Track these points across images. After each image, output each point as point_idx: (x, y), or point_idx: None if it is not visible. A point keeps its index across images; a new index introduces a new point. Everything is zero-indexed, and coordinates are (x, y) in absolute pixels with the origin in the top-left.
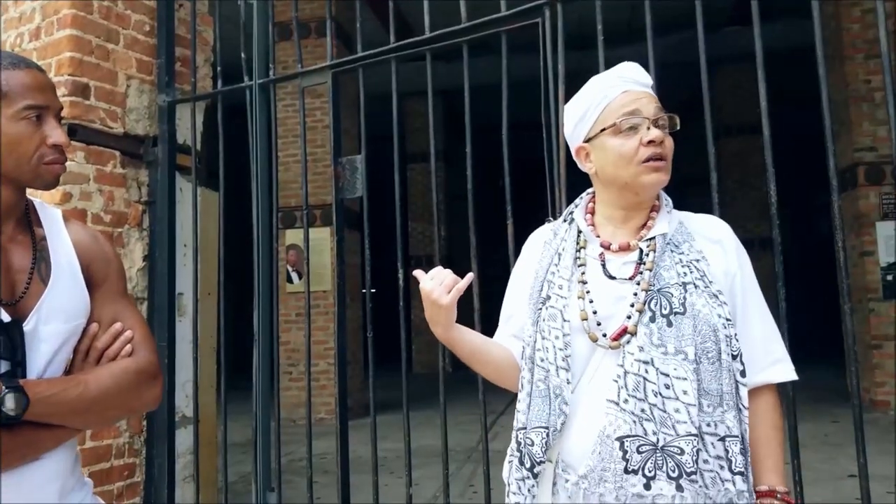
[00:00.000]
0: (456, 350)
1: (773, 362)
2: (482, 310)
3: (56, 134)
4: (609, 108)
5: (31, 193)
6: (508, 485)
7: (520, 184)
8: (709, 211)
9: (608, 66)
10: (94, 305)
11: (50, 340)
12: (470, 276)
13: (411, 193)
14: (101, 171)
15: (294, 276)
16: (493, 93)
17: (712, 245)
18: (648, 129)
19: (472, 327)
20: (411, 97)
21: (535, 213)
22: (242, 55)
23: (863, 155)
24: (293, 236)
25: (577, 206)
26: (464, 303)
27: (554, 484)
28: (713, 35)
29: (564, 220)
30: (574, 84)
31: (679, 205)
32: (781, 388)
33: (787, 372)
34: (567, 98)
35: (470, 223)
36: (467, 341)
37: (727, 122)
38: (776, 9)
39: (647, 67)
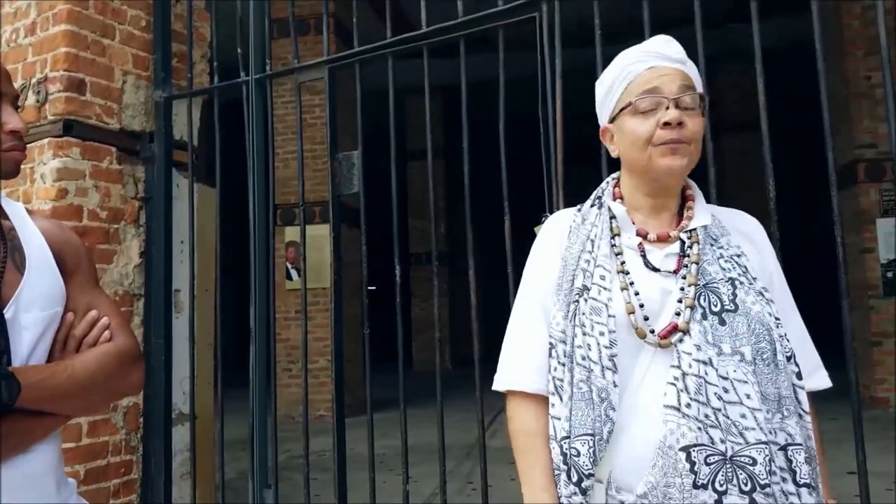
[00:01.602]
0: None
1: (816, 367)
2: (479, 305)
3: (14, 120)
4: (631, 86)
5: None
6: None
7: (518, 180)
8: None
9: (607, 63)
10: (68, 295)
11: (31, 328)
12: None
13: (412, 191)
14: (97, 168)
15: (293, 272)
16: (492, 89)
17: (746, 241)
18: (667, 109)
19: (469, 324)
20: (410, 94)
21: (532, 209)
22: (239, 50)
23: (863, 152)
24: (292, 233)
25: (603, 191)
26: (462, 297)
27: None
28: (713, 32)
29: (592, 205)
30: (572, 80)
31: None
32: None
33: (826, 378)
34: (564, 94)
35: (466, 219)
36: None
37: (728, 119)
38: (775, 6)
39: None
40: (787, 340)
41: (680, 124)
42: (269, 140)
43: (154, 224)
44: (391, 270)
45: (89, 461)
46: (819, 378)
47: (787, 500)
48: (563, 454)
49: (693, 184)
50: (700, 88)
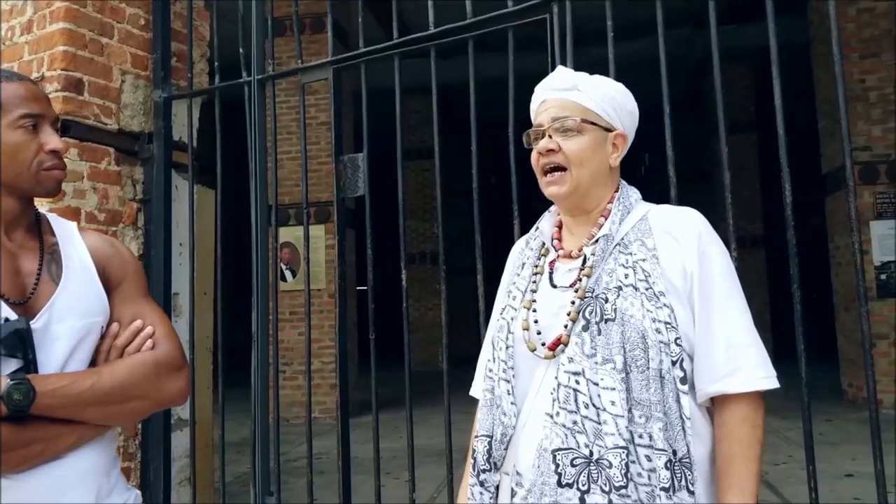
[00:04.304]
0: None
1: (733, 371)
2: (463, 305)
3: (53, 140)
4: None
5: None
6: None
7: (507, 181)
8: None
9: (601, 64)
10: (113, 306)
11: (64, 338)
12: None
13: (404, 191)
14: (95, 169)
15: (288, 273)
16: (488, 90)
17: (669, 239)
18: (544, 137)
19: (462, 323)
20: (403, 94)
21: (534, 212)
22: (241, 50)
23: (857, 154)
24: (286, 234)
25: (550, 213)
26: (455, 297)
27: (513, 496)
28: (706, 32)
29: (537, 229)
30: None
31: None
32: (763, 396)
33: (744, 382)
34: None
35: (475, 223)
36: None
37: (716, 120)
38: (764, 6)
39: (644, 65)
40: (678, 345)
41: (550, 150)
42: (270, 141)
43: (153, 226)
44: (382, 270)
45: None
46: (736, 381)
47: (653, 501)
48: (472, 450)
49: (623, 187)
50: (597, 108)
